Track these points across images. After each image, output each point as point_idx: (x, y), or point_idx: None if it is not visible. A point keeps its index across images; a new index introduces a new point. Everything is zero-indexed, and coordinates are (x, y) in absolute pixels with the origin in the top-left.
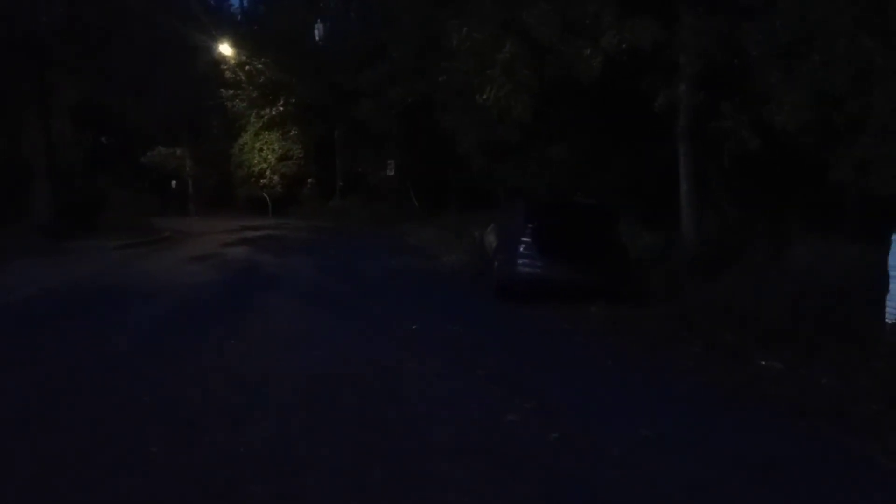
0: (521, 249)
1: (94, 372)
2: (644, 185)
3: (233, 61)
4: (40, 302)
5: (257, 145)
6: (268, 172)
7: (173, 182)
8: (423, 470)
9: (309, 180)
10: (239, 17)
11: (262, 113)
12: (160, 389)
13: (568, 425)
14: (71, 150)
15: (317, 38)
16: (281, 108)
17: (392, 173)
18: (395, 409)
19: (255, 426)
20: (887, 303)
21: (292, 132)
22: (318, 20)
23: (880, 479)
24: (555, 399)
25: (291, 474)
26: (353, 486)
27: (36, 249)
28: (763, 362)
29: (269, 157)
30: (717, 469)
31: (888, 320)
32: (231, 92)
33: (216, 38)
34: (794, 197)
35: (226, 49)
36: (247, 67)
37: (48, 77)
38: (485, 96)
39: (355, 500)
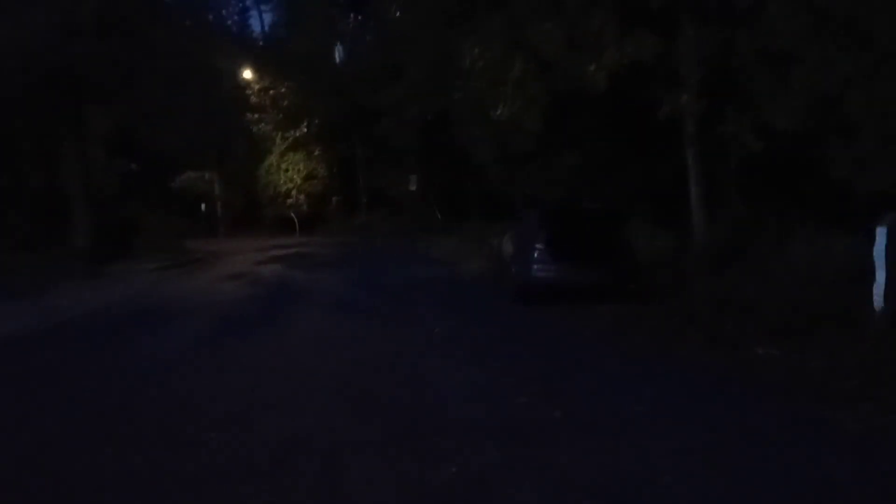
0: (536, 255)
1: (157, 371)
2: (656, 189)
3: (257, 86)
4: (97, 318)
5: (283, 166)
6: (294, 192)
7: (203, 205)
8: (443, 441)
9: (334, 198)
10: (261, 42)
11: (287, 135)
12: (217, 384)
13: (570, 406)
14: (105, 176)
15: (337, 60)
16: (305, 130)
17: (414, 188)
18: (421, 394)
19: (297, 412)
20: (873, 291)
21: (316, 152)
22: (338, 42)
23: (846, 440)
24: (561, 386)
25: (332, 448)
26: (385, 455)
27: (79, 273)
28: (759, 350)
29: (295, 177)
30: (698, 436)
31: (874, 307)
32: (256, 116)
33: (240, 65)
34: (799, 194)
35: (249, 74)
36: (271, 92)
37: (83, 108)
38: (498, 112)
39: (387, 468)
